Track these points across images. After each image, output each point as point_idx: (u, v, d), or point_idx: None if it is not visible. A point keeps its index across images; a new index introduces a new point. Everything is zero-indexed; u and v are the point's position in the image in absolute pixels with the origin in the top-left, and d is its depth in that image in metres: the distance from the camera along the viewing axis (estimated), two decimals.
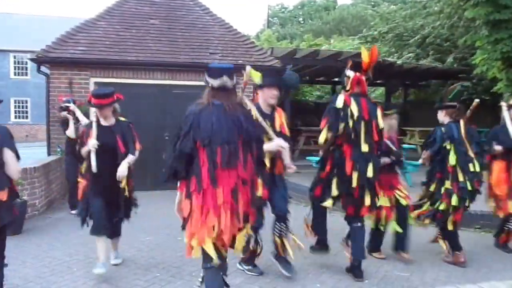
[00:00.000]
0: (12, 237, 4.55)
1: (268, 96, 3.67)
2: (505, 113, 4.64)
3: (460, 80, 13.71)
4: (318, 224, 3.97)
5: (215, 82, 2.67)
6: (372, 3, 28.42)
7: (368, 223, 4.10)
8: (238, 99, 2.80)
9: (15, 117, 26.72)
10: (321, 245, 4.01)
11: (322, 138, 3.64)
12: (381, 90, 18.12)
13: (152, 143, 8.36)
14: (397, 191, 4.24)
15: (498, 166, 4.59)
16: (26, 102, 26.79)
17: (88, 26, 8.81)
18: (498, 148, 4.54)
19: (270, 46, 13.46)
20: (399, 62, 11.91)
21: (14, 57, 26.73)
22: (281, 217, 3.69)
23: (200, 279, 2.83)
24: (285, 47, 16.18)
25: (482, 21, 7.45)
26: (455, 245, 4.20)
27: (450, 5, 10.84)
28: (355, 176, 3.55)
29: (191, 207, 2.58)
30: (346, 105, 3.59)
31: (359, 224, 3.73)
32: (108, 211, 3.83)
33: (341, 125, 3.55)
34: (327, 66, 10.93)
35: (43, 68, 8.32)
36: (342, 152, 3.60)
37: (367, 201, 3.64)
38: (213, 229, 2.53)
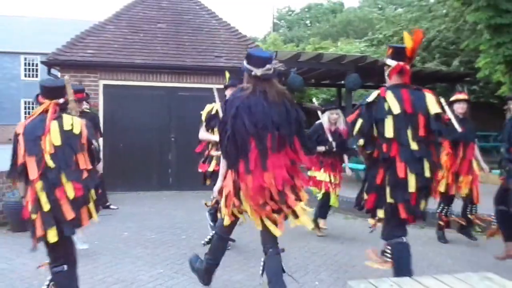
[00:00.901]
0: (18, 235, 4.76)
1: None
2: (445, 108, 4.79)
3: (466, 84, 13.71)
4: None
5: (258, 71, 2.64)
6: (379, 6, 28.41)
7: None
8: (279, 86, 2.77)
9: (25, 117, 27.10)
10: None
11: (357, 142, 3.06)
12: None
13: (158, 144, 8.54)
14: (339, 174, 5.13)
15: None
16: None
17: (97, 30, 9.02)
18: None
19: (275, 50, 13.59)
20: None
21: (25, 59, 27.22)
22: None
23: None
24: (290, 50, 16.28)
25: (484, 25, 7.50)
26: (510, 235, 4.11)
27: (455, 8, 10.88)
28: (411, 179, 2.88)
29: (234, 187, 2.68)
30: (381, 98, 3.00)
31: (404, 239, 3.02)
32: None
33: (373, 127, 2.96)
34: (332, 69, 11.02)
35: (53, 71, 8.53)
36: (388, 152, 2.92)
37: (422, 206, 2.99)
38: (262, 205, 2.62)
